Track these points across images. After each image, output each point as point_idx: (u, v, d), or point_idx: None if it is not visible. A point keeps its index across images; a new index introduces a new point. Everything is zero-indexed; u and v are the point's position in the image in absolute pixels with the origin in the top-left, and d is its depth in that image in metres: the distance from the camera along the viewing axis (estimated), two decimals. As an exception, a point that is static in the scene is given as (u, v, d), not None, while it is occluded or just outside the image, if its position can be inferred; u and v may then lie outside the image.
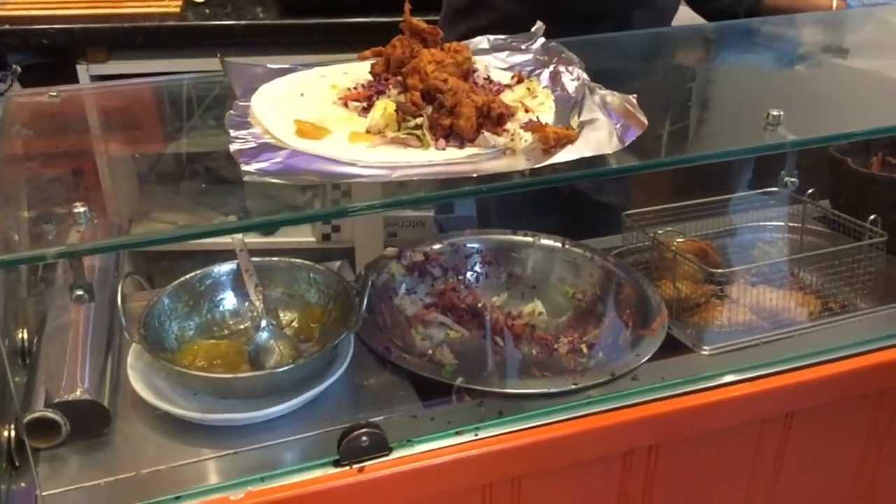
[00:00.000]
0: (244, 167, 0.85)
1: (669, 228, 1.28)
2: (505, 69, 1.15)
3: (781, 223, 1.41)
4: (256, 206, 0.84)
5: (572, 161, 0.88)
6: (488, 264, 1.31)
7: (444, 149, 0.90)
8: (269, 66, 1.12)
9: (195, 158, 1.04)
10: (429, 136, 0.91)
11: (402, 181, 0.85)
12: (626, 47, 1.35)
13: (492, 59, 1.16)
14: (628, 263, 1.27)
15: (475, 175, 0.86)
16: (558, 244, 1.30)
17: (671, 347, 1.08)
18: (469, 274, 1.30)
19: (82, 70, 2.02)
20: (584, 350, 1.17)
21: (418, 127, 0.91)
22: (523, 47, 1.20)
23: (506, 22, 1.31)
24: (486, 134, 0.90)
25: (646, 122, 0.92)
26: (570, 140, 0.90)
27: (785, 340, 1.10)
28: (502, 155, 0.90)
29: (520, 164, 0.88)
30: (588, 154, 0.89)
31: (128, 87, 1.17)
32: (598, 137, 0.92)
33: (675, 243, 1.21)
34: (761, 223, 1.41)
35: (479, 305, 1.25)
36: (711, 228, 1.38)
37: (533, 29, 1.22)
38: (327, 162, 0.87)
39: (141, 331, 0.97)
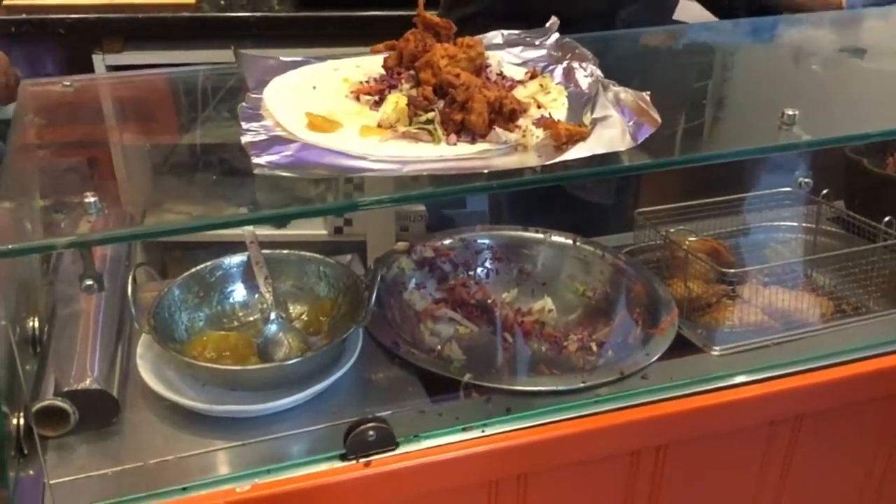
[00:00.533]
0: (255, 160, 0.85)
1: (682, 227, 1.27)
2: (518, 65, 1.14)
3: (795, 223, 1.40)
4: (268, 199, 0.84)
5: (584, 158, 0.87)
6: (499, 260, 1.31)
7: (455, 144, 0.89)
8: (281, 58, 1.12)
9: (208, 150, 1.04)
10: (440, 131, 0.90)
11: (412, 176, 0.84)
12: (640, 44, 1.34)
13: (505, 55, 1.15)
14: (639, 262, 1.27)
15: (486, 171, 0.85)
16: (569, 241, 1.30)
17: (681, 347, 1.08)
18: (479, 270, 1.29)
19: (98, 60, 2.03)
20: (594, 348, 1.17)
21: (430, 122, 0.91)
22: (537, 43, 1.19)
23: (489, 14, 1.30)
24: (498, 130, 0.89)
25: (659, 119, 0.92)
26: (583, 137, 0.89)
27: (796, 342, 1.09)
28: (513, 151, 0.90)
29: (531, 160, 0.88)
30: (600, 151, 0.88)
31: (142, 77, 1.18)
32: (610, 135, 0.91)
33: (686, 242, 1.20)
34: (775, 223, 1.40)
35: (489, 301, 1.25)
36: (724, 228, 1.37)
37: (547, 24, 1.21)
38: (338, 155, 0.87)
39: (151, 321, 0.97)
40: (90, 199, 0.76)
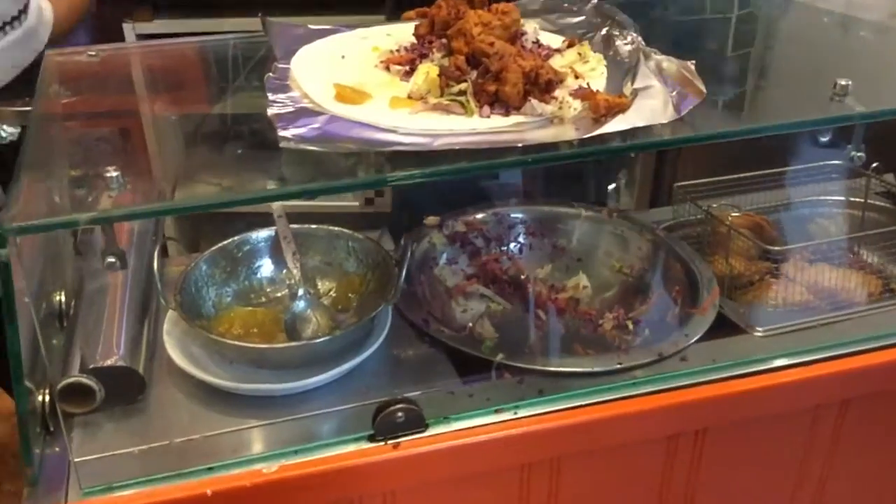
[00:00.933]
0: (281, 133, 0.82)
1: (724, 202, 1.23)
2: (555, 32, 1.10)
3: (842, 198, 1.34)
4: (294, 173, 0.81)
5: (623, 131, 0.83)
6: (532, 235, 1.27)
7: (488, 116, 0.86)
8: (310, 26, 1.09)
9: (236, 122, 1.02)
10: (472, 103, 0.87)
11: (443, 150, 0.81)
12: (682, 9, 1.28)
13: (541, 22, 1.11)
14: (678, 237, 1.23)
15: (520, 145, 0.81)
16: (605, 216, 1.26)
17: (722, 327, 1.04)
18: (512, 245, 1.26)
19: (128, 29, 2.00)
20: (630, 327, 1.13)
21: (462, 93, 0.87)
22: (575, 9, 1.15)
23: None
24: (533, 101, 0.86)
25: (704, 90, 0.87)
26: (622, 109, 0.85)
27: (843, 323, 1.05)
28: (549, 124, 0.86)
29: (568, 133, 0.84)
30: (641, 124, 0.84)
31: (168, 46, 1.15)
32: (652, 106, 0.87)
33: (729, 218, 1.16)
34: (821, 197, 1.35)
35: (522, 277, 1.22)
36: (766, 202, 1.32)
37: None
38: (367, 128, 0.84)
39: (177, 297, 0.95)
40: (112, 173, 0.74)
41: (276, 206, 1.06)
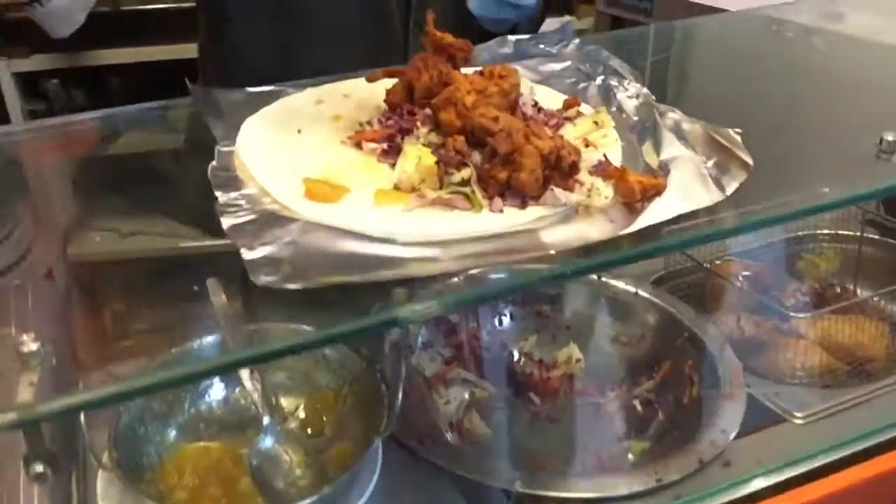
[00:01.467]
0: (246, 255, 0.63)
1: (728, 257, 1.10)
2: (539, 82, 0.94)
3: (834, 231, 1.24)
4: (267, 309, 0.63)
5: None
6: (512, 303, 1.12)
7: (501, 210, 0.69)
8: (248, 89, 0.90)
9: (177, 233, 0.82)
10: (479, 195, 0.70)
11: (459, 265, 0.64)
12: (673, 41, 1.14)
13: (522, 70, 0.95)
14: (671, 289, 1.10)
15: (552, 252, 0.65)
16: (593, 275, 1.11)
17: (751, 410, 0.91)
18: (491, 316, 1.10)
19: (2, 67, 1.74)
20: (638, 408, 1.00)
21: (465, 182, 0.70)
22: (554, 51, 0.99)
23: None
24: (556, 190, 0.69)
25: (750, 161, 0.73)
26: (659, 191, 0.70)
27: (886, 396, 0.93)
28: (575, 214, 0.70)
29: (602, 228, 0.68)
30: (685, 210, 0.69)
31: (70, 127, 0.92)
32: (688, 183, 0.72)
33: (740, 277, 1.03)
34: (811, 232, 1.25)
35: (506, 354, 1.07)
36: (755, 242, 1.21)
37: (560, 24, 1.01)
38: (354, 238, 0.66)
39: (112, 453, 0.75)
40: (31, 345, 0.53)
41: (220, 305, 0.87)
